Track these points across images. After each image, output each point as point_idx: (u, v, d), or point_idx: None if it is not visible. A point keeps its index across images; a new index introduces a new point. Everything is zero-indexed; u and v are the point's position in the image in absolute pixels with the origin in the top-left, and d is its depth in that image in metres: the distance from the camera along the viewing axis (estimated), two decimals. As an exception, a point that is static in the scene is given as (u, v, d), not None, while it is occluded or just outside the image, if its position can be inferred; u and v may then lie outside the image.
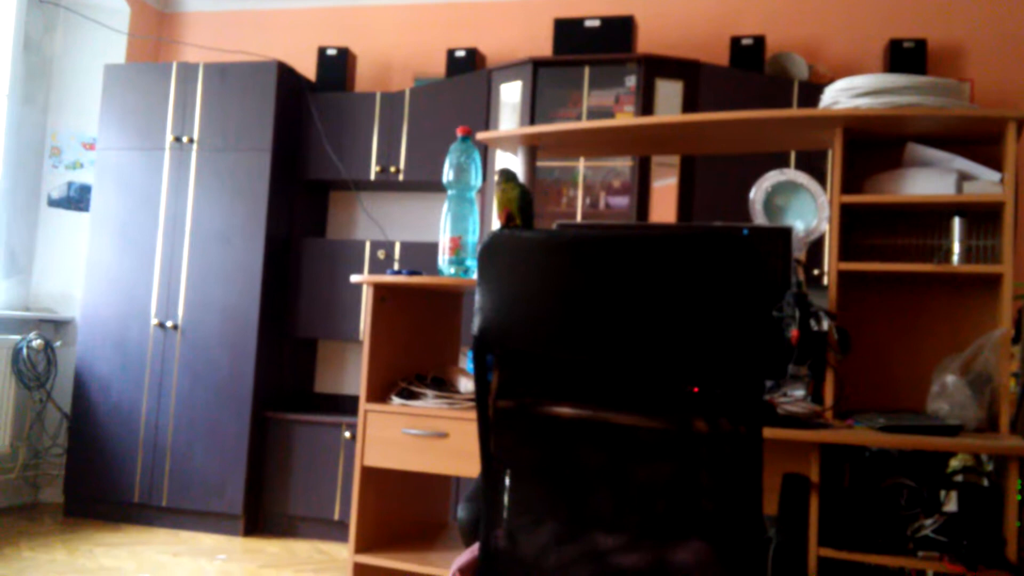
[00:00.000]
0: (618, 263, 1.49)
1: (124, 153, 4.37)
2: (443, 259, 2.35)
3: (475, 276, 2.38)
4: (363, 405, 2.40)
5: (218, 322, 4.18)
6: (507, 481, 1.68)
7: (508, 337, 1.60)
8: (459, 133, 2.34)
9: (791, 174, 2.37)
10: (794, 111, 2.26)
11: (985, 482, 2.36)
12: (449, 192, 2.35)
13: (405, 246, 4.26)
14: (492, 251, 1.58)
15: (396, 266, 4.24)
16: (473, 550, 1.77)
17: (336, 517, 4.02)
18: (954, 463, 2.40)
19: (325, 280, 4.34)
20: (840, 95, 2.25)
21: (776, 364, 2.11)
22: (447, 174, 2.34)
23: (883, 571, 2.11)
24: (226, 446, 4.10)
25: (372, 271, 4.27)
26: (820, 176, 3.79)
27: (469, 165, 2.35)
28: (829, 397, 2.24)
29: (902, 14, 4.16)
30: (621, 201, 4.06)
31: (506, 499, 1.67)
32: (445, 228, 2.34)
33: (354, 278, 2.41)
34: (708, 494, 1.52)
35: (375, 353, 2.43)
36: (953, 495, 2.00)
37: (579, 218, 4.06)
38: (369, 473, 2.41)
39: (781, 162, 3.89)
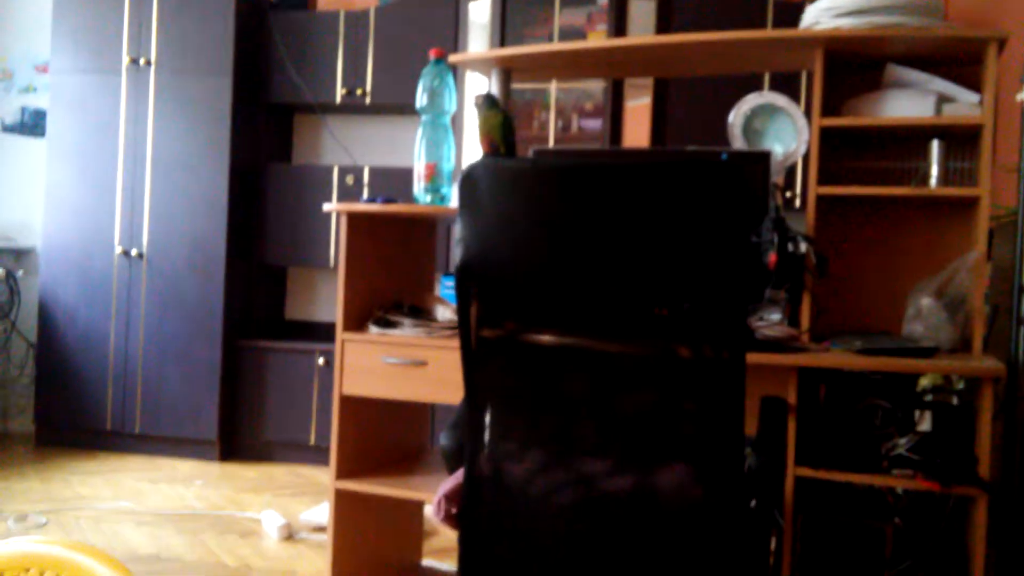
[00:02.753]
0: (603, 191, 1.47)
1: (79, 76, 4.21)
2: (418, 186, 2.31)
3: (451, 204, 2.34)
4: (340, 334, 2.38)
5: (185, 250, 4.11)
6: (490, 409, 1.69)
7: (491, 268, 1.58)
8: (432, 56, 2.28)
9: (770, 97, 2.34)
10: (775, 32, 2.22)
11: (955, 400, 2.42)
12: (423, 117, 2.29)
13: (374, 171, 4.19)
14: (474, 180, 1.55)
15: (366, 192, 4.17)
16: (457, 477, 1.78)
17: (312, 442, 4.04)
18: (924, 382, 2.45)
19: (293, 207, 4.26)
20: (822, 15, 2.21)
21: (755, 288, 2.11)
22: (420, 99, 2.28)
23: (858, 489, 2.16)
24: (198, 373, 4.07)
25: (341, 197, 4.20)
26: (794, 98, 3.76)
27: (443, 89, 2.29)
28: (806, 320, 2.26)
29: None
30: (594, 124, 4.01)
31: (489, 427, 1.68)
32: (420, 155, 2.29)
33: (327, 207, 2.36)
34: (692, 419, 1.54)
35: (350, 282, 2.40)
36: (927, 415, 2.05)
37: (551, 141, 4.00)
38: (347, 401, 2.41)
39: (755, 82, 3.85)
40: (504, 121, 1.90)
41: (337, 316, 2.39)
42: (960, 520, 2.19)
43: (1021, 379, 2.10)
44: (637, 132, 3.94)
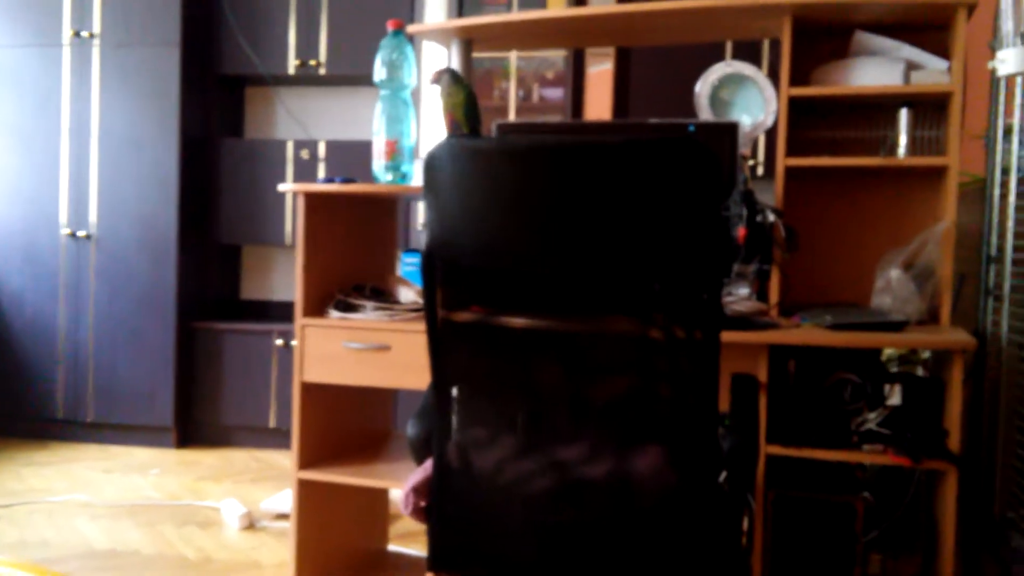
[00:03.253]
0: (571, 171, 1.41)
1: (18, 51, 4.02)
2: (378, 164, 2.22)
3: (413, 183, 2.26)
4: (299, 319, 2.30)
5: (135, 230, 3.97)
6: (458, 396, 1.64)
7: (458, 251, 1.52)
8: (390, 27, 2.18)
9: (738, 66, 2.28)
10: (742, -1, 2.16)
11: (920, 371, 2.41)
12: (382, 92, 2.20)
13: (331, 145, 4.08)
14: (439, 161, 1.48)
15: (322, 167, 4.06)
16: (426, 468, 1.72)
17: (272, 424, 3.95)
18: (889, 351, 2.44)
19: (246, 183, 4.14)
20: (789, -19, 2.15)
21: (725, 264, 2.08)
22: (379, 72, 2.19)
23: (828, 463, 2.15)
24: (152, 357, 3.96)
25: (296, 172, 4.08)
26: (756, 64, 3.72)
27: (402, 62, 2.20)
28: (775, 294, 2.23)
29: None
30: (555, 93, 3.93)
31: (458, 414, 1.63)
32: (380, 131, 2.20)
33: (283, 187, 2.26)
34: (665, 401, 1.50)
35: (309, 264, 2.31)
36: (896, 389, 2.03)
37: (512, 111, 3.92)
38: (309, 388, 2.33)
39: (717, 49, 3.80)
40: (467, 98, 1.82)
41: (296, 301, 2.31)
42: (928, 491, 2.19)
43: (988, 351, 2.09)
44: (599, 100, 3.87)
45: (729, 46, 3.71)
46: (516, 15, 2.28)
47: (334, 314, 2.32)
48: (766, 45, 3.72)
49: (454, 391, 1.64)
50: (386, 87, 2.20)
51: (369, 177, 3.99)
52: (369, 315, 2.30)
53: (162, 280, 3.95)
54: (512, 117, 3.92)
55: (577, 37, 2.58)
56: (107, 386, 3.97)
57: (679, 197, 1.39)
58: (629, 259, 1.41)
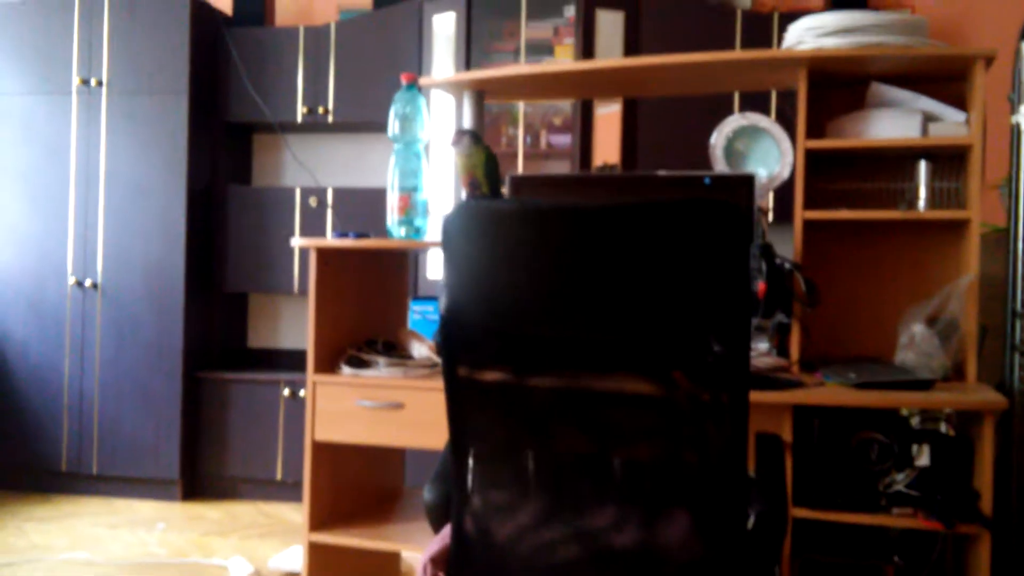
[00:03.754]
0: (598, 234, 1.38)
1: (27, 98, 4.03)
2: (392, 219, 2.19)
3: (426, 238, 2.23)
4: (311, 376, 2.26)
5: (141, 279, 3.94)
6: (478, 460, 1.59)
7: (478, 315, 1.48)
8: (404, 80, 2.17)
9: (753, 118, 2.26)
10: (758, 52, 2.15)
11: (943, 426, 2.35)
12: (395, 146, 2.18)
13: (339, 192, 4.06)
14: (459, 223, 1.45)
15: (329, 214, 4.04)
16: (443, 536, 1.67)
17: (279, 477, 3.89)
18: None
19: (253, 230, 4.11)
20: (805, 34, 2.14)
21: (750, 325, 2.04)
22: (392, 126, 2.17)
23: (856, 526, 2.09)
24: (158, 408, 3.90)
25: (304, 220, 4.06)
26: (763, 112, 3.71)
27: (415, 115, 2.18)
28: (795, 350, 2.19)
29: (844, -61, 4.04)
30: (563, 140, 3.93)
31: (478, 480, 1.58)
32: (393, 185, 2.18)
33: (295, 241, 2.24)
34: (692, 467, 1.45)
35: (321, 319, 2.28)
36: (924, 448, 1.98)
37: (520, 157, 3.91)
38: (320, 447, 2.28)
39: (725, 97, 3.79)
40: (488, 159, 1.79)
41: (308, 357, 2.26)
42: (957, 553, 2.13)
43: (1016, 409, 2.04)
44: (607, 144, 3.86)
45: (737, 94, 3.71)
46: (528, 67, 2.27)
47: (346, 370, 2.27)
48: (774, 93, 3.71)
49: (472, 455, 1.59)
50: (399, 141, 2.18)
51: (378, 225, 3.98)
52: (382, 372, 2.25)
53: (168, 330, 3.91)
54: (520, 163, 3.90)
55: (590, 89, 2.57)
56: (112, 438, 3.92)
57: (706, 258, 1.36)
58: (656, 321, 1.38)
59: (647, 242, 1.36)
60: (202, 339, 4.07)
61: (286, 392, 3.90)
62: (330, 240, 2.18)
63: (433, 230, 2.22)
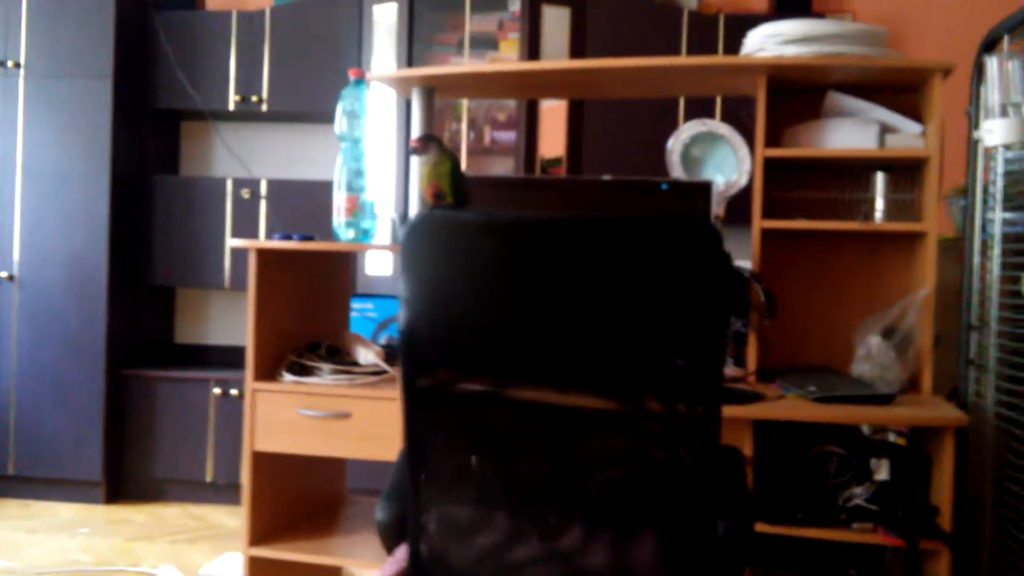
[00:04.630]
0: (571, 248, 1.31)
1: (-66, 78, 3.77)
2: (338, 220, 2.09)
3: (375, 240, 2.14)
4: (250, 384, 2.14)
5: (61, 271, 3.73)
6: (436, 477, 1.51)
7: (444, 330, 1.40)
8: (352, 76, 2.06)
9: (712, 125, 2.23)
10: (720, 58, 2.11)
11: (891, 436, 2.36)
12: (342, 145, 2.08)
13: (273, 184, 3.91)
14: (422, 234, 1.37)
15: (263, 206, 3.88)
16: (398, 560, 1.59)
17: (208, 479, 3.74)
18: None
19: (182, 222, 3.93)
20: (766, 41, 2.11)
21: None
22: (339, 123, 2.06)
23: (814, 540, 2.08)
24: (80, 407, 3.71)
25: (236, 212, 3.90)
26: (709, 115, 3.70)
27: (363, 112, 2.08)
28: (753, 360, 2.16)
29: (789, -59, 4.05)
30: (507, 136, 3.85)
31: (436, 498, 1.50)
32: (340, 185, 2.07)
33: (234, 243, 2.11)
34: (663, 485, 1.41)
35: (260, 324, 2.16)
36: (883, 462, 1.97)
37: (464, 153, 3.81)
38: (260, 458, 2.17)
39: (671, 99, 3.77)
40: (453, 168, 1.70)
41: (247, 363, 2.15)
42: (913, 567, 2.13)
43: (972, 424, 2.05)
44: (553, 140, 3.79)
45: (682, 98, 3.68)
46: (487, 66, 2.19)
47: (288, 378, 2.16)
48: (718, 98, 3.69)
49: (430, 472, 1.52)
50: (347, 139, 2.08)
51: (314, 219, 3.85)
52: (326, 379, 2.15)
53: (90, 324, 3.72)
54: (464, 159, 3.81)
55: (540, 89, 2.50)
56: (30, 437, 3.71)
57: (680, 274, 1.32)
58: (628, 337, 1.33)
59: (619, 257, 1.32)
60: (127, 334, 3.88)
61: (216, 390, 3.75)
62: (272, 242, 2.06)
63: (381, 232, 2.13)
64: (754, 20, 3.81)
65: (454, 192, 1.71)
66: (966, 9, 3.96)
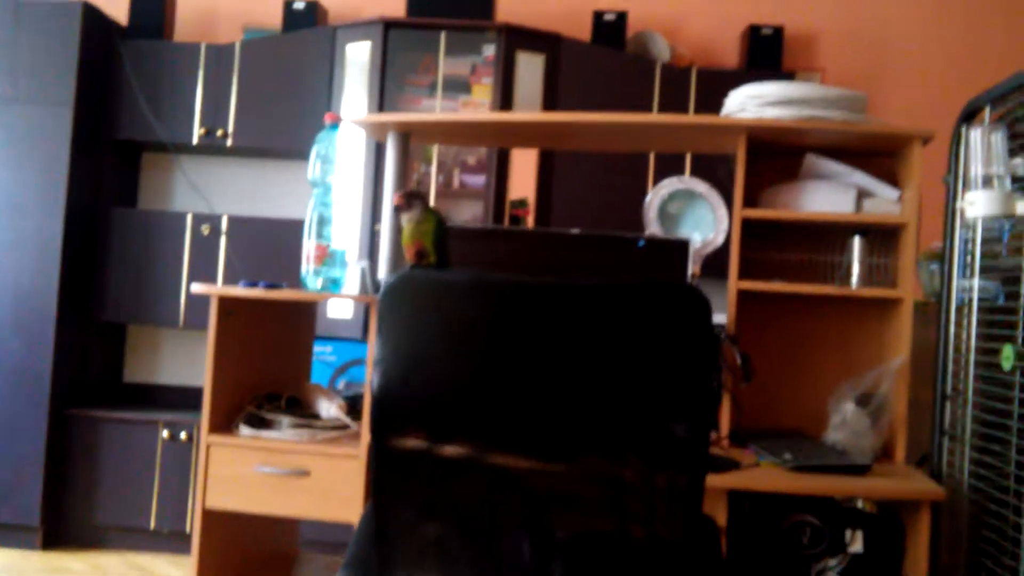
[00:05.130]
0: (559, 313, 1.26)
1: None
2: (307, 268, 2.01)
3: (345, 290, 2.06)
4: (205, 437, 2.04)
5: (9, 303, 3.59)
6: (406, 543, 1.43)
7: (418, 395, 1.34)
8: (328, 120, 2.00)
9: (690, 182, 2.20)
10: (702, 117, 2.08)
11: (859, 503, 2.32)
12: (314, 190, 2.01)
13: (234, 220, 3.81)
14: (401, 294, 1.31)
15: (223, 243, 3.78)
16: (358, 635, 1.50)
17: (152, 526, 3.58)
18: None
19: (138, 257, 3.81)
20: (748, 102, 2.09)
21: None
22: (312, 169, 2.00)
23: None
24: (19, 447, 3.54)
25: (195, 248, 3.79)
26: (678, 172, 3.69)
27: (334, 158, 2.02)
28: (726, 424, 2.11)
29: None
30: (477, 180, 3.81)
31: (406, 566, 1.43)
32: (310, 232, 2.00)
33: (197, 288, 2.02)
34: (643, 553, 1.36)
35: (219, 373, 2.06)
36: (858, 534, 1.93)
37: (432, 196, 3.76)
38: (212, 515, 2.06)
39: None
40: (438, 226, 1.64)
41: (203, 415, 2.05)
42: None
43: (946, 496, 2.02)
44: (522, 183, 3.75)
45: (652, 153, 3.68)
46: (464, 115, 2.14)
47: (245, 431, 2.07)
48: (688, 155, 3.69)
49: (400, 537, 1.44)
50: (319, 184, 2.01)
51: (276, 258, 3.75)
52: (285, 433, 2.06)
53: (36, 360, 3.57)
54: (432, 202, 3.75)
55: (517, 138, 2.46)
56: (-37, 478, 3.53)
57: (669, 342, 1.29)
58: (614, 404, 1.29)
59: (608, 324, 1.28)
60: (74, 371, 3.73)
61: (165, 434, 3.61)
62: (236, 289, 1.98)
63: (352, 283, 2.06)
64: (725, 75, 3.85)
65: (437, 252, 1.65)
66: (933, 73, 4.03)
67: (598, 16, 3.92)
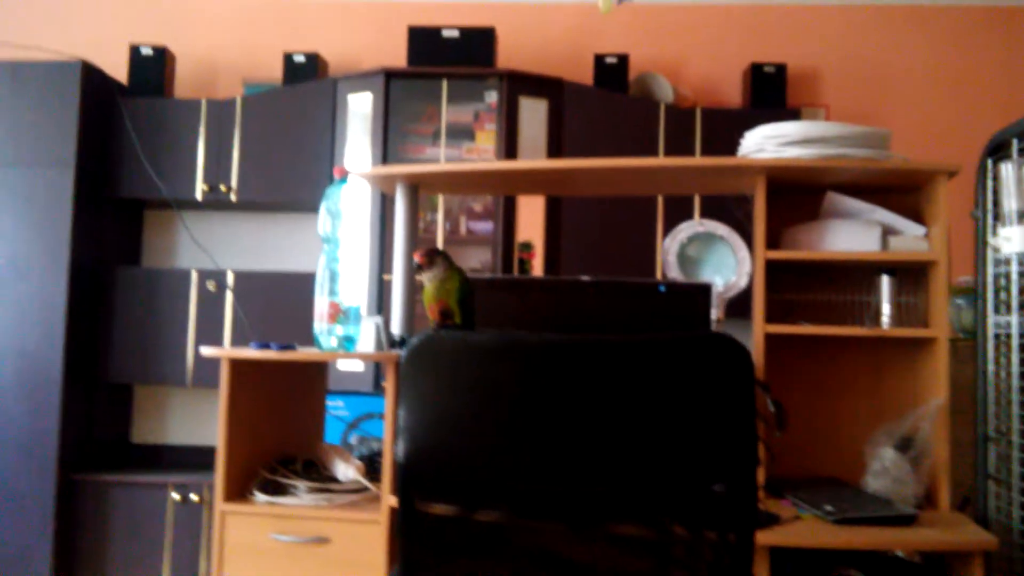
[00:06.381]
0: (598, 372, 1.20)
1: None
2: (320, 326, 1.95)
3: (360, 349, 2.00)
4: (220, 506, 1.96)
5: (12, 367, 3.52)
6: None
7: (447, 462, 1.27)
8: (337, 175, 1.95)
9: (710, 225, 2.15)
10: (719, 160, 2.03)
11: (899, 553, 2.23)
12: (325, 246, 1.95)
13: (240, 276, 3.76)
14: (427, 356, 1.24)
15: (229, 298, 3.73)
16: None
17: (164, 592, 3.48)
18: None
19: (142, 315, 3.75)
20: (766, 142, 2.05)
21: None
22: (323, 224, 1.94)
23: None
24: (28, 514, 3.46)
25: (201, 305, 3.74)
26: (687, 213, 3.65)
27: (344, 212, 1.96)
28: (761, 475, 2.03)
29: (763, 38, 4.10)
30: (484, 226, 3.76)
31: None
32: (322, 289, 1.94)
33: (207, 351, 1.96)
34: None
35: (232, 438, 1.99)
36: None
37: (440, 243, 3.72)
38: (229, 587, 1.98)
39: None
40: (462, 284, 1.58)
41: (216, 482, 1.97)
42: None
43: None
44: (530, 227, 3.70)
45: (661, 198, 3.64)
46: (475, 165, 2.09)
47: (260, 498, 1.99)
48: (696, 196, 3.65)
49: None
50: (330, 240, 1.96)
51: (283, 312, 3.69)
52: (303, 499, 1.98)
53: (42, 425, 3.50)
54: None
55: (530, 185, 2.42)
56: (-32, 550, 3.44)
57: (713, 397, 1.23)
58: (656, 465, 1.22)
59: (650, 381, 1.21)
60: (80, 435, 3.65)
61: (175, 496, 3.52)
62: (251, 351, 1.92)
63: (367, 340, 1.99)
64: (730, 114, 3.82)
65: (463, 312, 1.58)
66: (936, 107, 4.01)
67: (599, 59, 3.91)
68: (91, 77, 3.69)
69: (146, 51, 3.90)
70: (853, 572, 1.82)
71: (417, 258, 1.60)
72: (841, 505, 1.81)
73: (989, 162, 1.93)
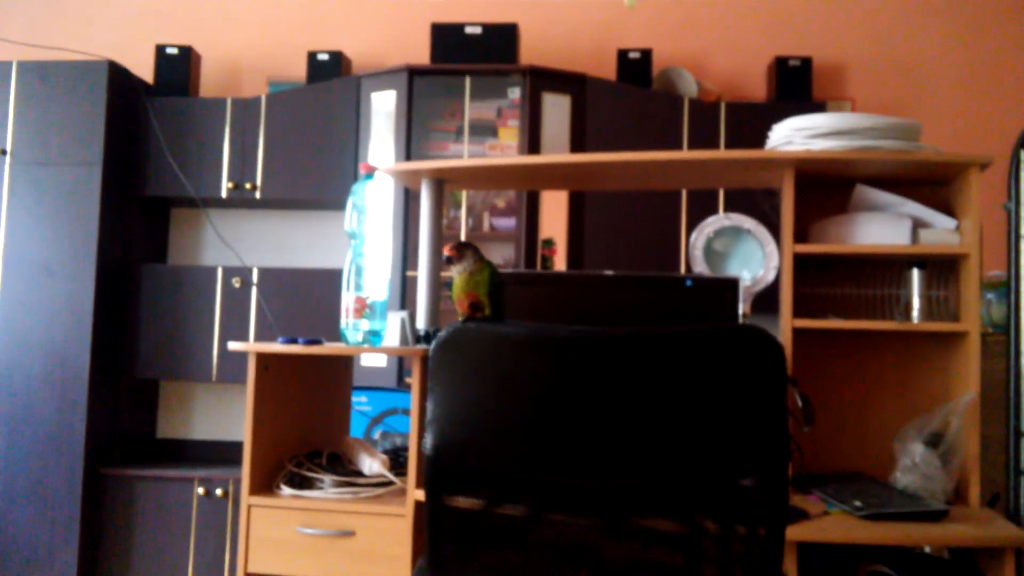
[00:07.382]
0: (629, 365, 1.19)
1: (-84, 165, 3.65)
2: (346, 321, 1.96)
3: (387, 343, 2.00)
4: (246, 499, 1.97)
5: (41, 364, 3.56)
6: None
7: (476, 455, 1.27)
8: (363, 171, 1.96)
9: (737, 219, 2.13)
10: (747, 152, 2.02)
11: (927, 547, 2.21)
12: (352, 242, 1.96)
13: (265, 272, 3.78)
14: (454, 348, 1.24)
15: (254, 296, 3.75)
16: None
17: (190, 586, 3.51)
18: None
19: (169, 312, 3.78)
20: (795, 135, 2.03)
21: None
22: (350, 220, 1.95)
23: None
24: (55, 507, 3.49)
25: (226, 302, 3.76)
26: (711, 206, 3.63)
27: (370, 208, 1.97)
28: (788, 470, 2.02)
29: (787, 31, 4.07)
30: (507, 222, 3.76)
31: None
32: (348, 284, 1.95)
33: (233, 346, 1.97)
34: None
35: (259, 432, 2.00)
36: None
37: (463, 239, 3.71)
38: (255, 580, 1.99)
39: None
40: (492, 277, 1.58)
41: (243, 475, 1.98)
42: None
43: None
44: (554, 223, 3.70)
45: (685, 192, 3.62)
46: (500, 159, 2.09)
47: (286, 491, 2.00)
48: (721, 190, 3.63)
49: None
50: (356, 237, 1.96)
51: (307, 309, 3.71)
52: (328, 493, 1.99)
53: (69, 421, 3.53)
54: (463, 248, 3.70)
55: (555, 180, 2.41)
56: (1, 539, 3.47)
57: (746, 390, 1.22)
58: (688, 459, 1.21)
59: (682, 373, 1.20)
60: (107, 430, 3.69)
61: (200, 490, 3.54)
62: (275, 345, 1.92)
63: (393, 334, 2.00)
64: (755, 108, 3.80)
65: (492, 304, 1.58)
66: (963, 98, 3.96)
67: (623, 54, 3.89)
68: (117, 77, 3.72)
69: (171, 51, 3.93)
70: (881, 567, 1.80)
71: (447, 251, 1.60)
72: (870, 500, 1.79)
73: (1022, 153, 1.90)
